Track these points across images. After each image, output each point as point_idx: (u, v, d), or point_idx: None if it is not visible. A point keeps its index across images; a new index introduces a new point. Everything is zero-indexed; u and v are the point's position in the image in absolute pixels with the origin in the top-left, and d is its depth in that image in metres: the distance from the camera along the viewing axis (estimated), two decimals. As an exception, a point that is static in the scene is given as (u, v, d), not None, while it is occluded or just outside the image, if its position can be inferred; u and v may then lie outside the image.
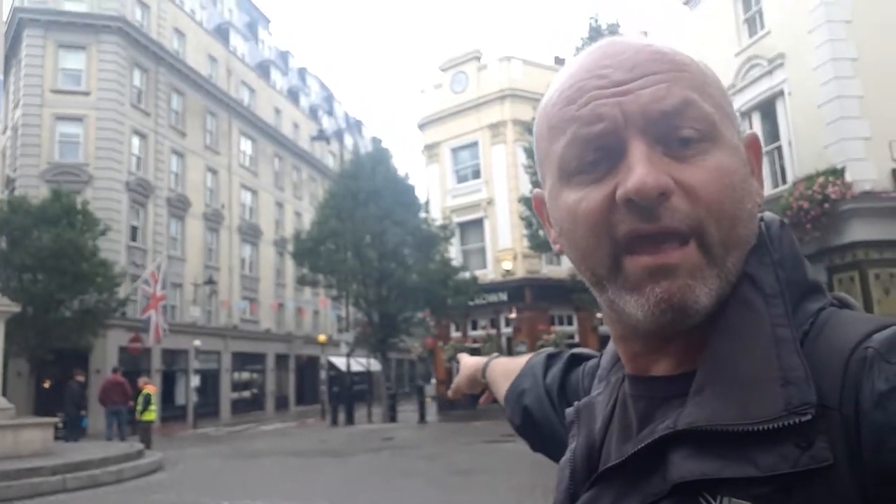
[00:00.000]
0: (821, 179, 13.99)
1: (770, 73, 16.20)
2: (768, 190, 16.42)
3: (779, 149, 16.32)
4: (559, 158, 0.66)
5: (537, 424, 1.06)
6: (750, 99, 16.87)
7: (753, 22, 17.09)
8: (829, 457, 0.53)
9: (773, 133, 16.56)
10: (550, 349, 1.16)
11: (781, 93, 15.95)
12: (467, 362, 1.43)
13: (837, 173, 14.04)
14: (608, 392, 0.76)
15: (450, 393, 1.55)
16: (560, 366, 1.05)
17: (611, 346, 0.79)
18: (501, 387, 1.20)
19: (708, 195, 0.61)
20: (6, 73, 27.07)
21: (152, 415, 17.64)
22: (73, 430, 17.91)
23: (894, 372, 0.53)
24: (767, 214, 0.70)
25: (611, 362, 0.80)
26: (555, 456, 0.81)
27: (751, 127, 17.08)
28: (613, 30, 18.69)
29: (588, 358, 1.01)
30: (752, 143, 0.70)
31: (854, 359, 0.56)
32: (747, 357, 0.59)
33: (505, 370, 1.24)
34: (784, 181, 15.87)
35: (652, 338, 0.66)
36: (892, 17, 14.15)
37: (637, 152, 0.61)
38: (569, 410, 0.81)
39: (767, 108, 16.58)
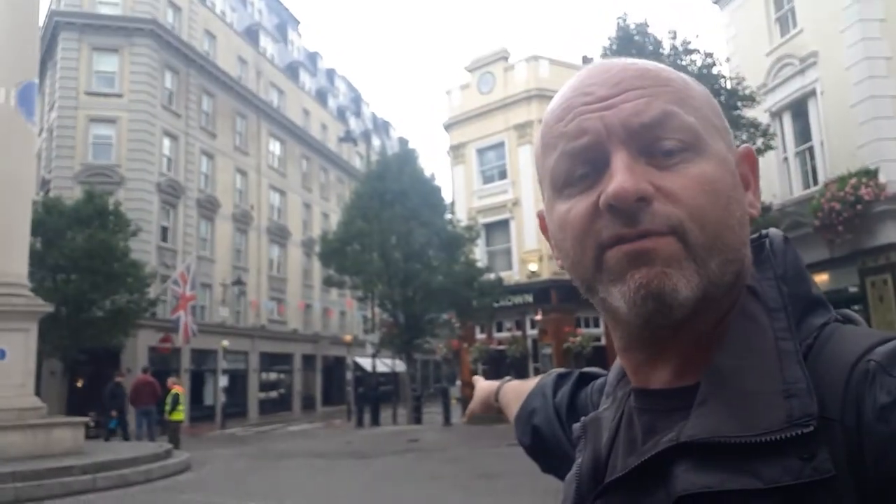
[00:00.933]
0: (853, 180, 13.71)
1: (802, 72, 15.91)
2: (799, 191, 16.14)
3: (811, 149, 16.02)
4: (551, 173, 0.70)
5: (547, 444, 1.06)
6: (781, 98, 16.59)
7: (785, 20, 16.80)
8: (832, 468, 0.54)
9: (804, 133, 16.26)
10: (561, 370, 1.16)
11: (814, 92, 15.65)
12: (481, 385, 1.44)
13: (871, 174, 13.75)
14: (615, 407, 0.77)
15: (463, 419, 1.54)
16: (569, 385, 1.06)
17: (618, 361, 0.81)
18: (514, 409, 1.20)
19: (688, 199, 0.62)
20: (41, 75, 27.69)
21: (181, 415, 17.89)
22: (108, 429, 18.35)
23: None
24: (772, 230, 0.72)
25: (617, 377, 0.81)
26: (564, 476, 0.81)
27: (782, 127, 16.81)
28: (642, 29, 18.43)
29: (597, 376, 1.01)
30: (747, 156, 0.72)
31: (856, 371, 0.57)
32: (750, 369, 0.60)
33: (517, 392, 1.24)
34: (815, 182, 15.57)
35: (646, 342, 0.67)
36: (929, 15, 13.82)
37: (619, 162, 0.63)
38: (576, 426, 0.82)
39: (799, 108, 16.29)
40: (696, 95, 0.69)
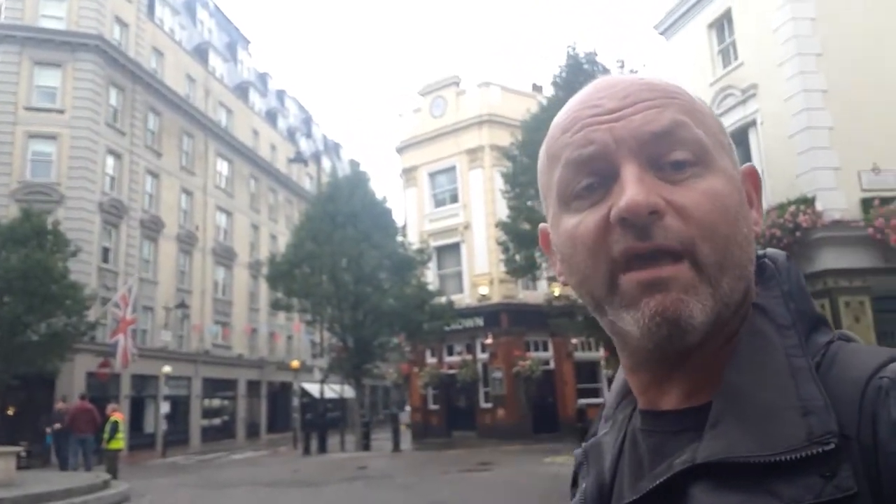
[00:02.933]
0: (792, 208, 14.19)
1: (743, 102, 16.48)
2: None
3: (752, 178, 16.54)
4: (557, 185, 0.68)
5: None
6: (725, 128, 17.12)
7: (727, 53, 17.41)
8: (854, 485, 0.53)
9: (746, 162, 16.72)
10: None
11: (754, 122, 16.22)
12: None
13: (808, 202, 14.26)
14: (615, 430, 0.76)
15: None
16: None
17: (615, 385, 0.81)
18: None
19: (700, 215, 0.62)
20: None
21: (120, 443, 17.19)
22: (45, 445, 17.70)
23: None
24: (771, 250, 0.72)
25: (616, 400, 0.80)
26: None
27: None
28: (591, 58, 18.92)
29: None
30: (751, 175, 0.72)
31: (870, 389, 0.57)
32: (764, 387, 0.59)
33: None
34: (757, 210, 16.06)
35: (655, 363, 0.66)
36: (861, 51, 14.50)
37: (629, 174, 0.63)
38: (577, 451, 0.80)
39: (741, 138, 16.84)
40: (704, 110, 0.69)
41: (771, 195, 15.44)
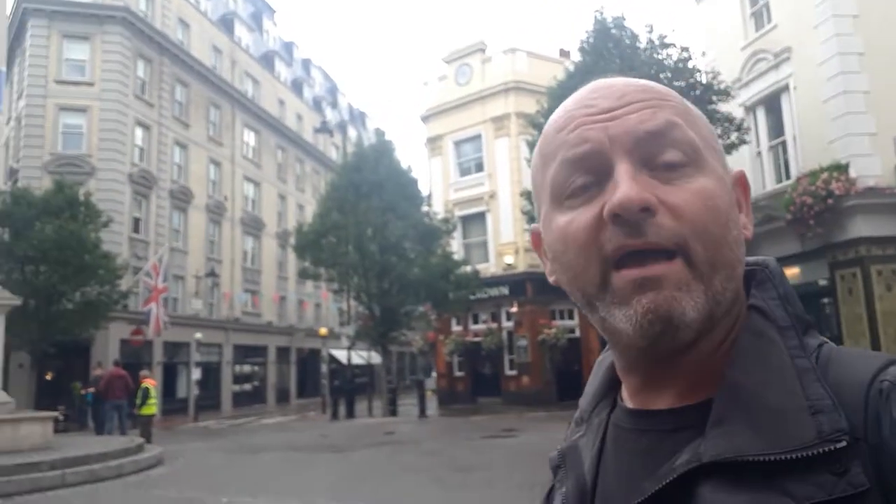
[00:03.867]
0: (825, 175, 13.88)
1: (776, 67, 16.06)
2: (772, 185, 16.33)
3: (783, 144, 16.20)
4: (551, 183, 0.69)
5: None
6: (755, 93, 16.74)
7: (760, 15, 16.94)
8: (866, 482, 0.54)
9: (777, 128, 16.44)
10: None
11: (787, 87, 15.82)
12: None
13: (841, 169, 13.93)
14: (592, 433, 0.76)
15: None
16: None
17: (590, 388, 0.81)
18: None
19: (692, 214, 0.62)
20: (10, 63, 27.04)
21: (153, 408, 17.65)
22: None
23: None
24: (762, 258, 0.73)
25: (592, 404, 0.80)
26: None
27: (756, 121, 16.97)
28: (619, 23, 18.46)
29: None
30: (740, 180, 0.72)
31: (872, 391, 0.58)
32: (771, 387, 0.60)
33: None
34: (788, 177, 15.76)
35: (648, 362, 0.67)
36: (900, 12, 14.00)
37: (623, 172, 0.63)
38: (552, 455, 0.81)
39: (773, 103, 16.46)
40: (696, 114, 0.71)
41: (803, 162, 15.12)
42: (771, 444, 0.57)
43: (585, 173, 0.66)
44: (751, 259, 0.72)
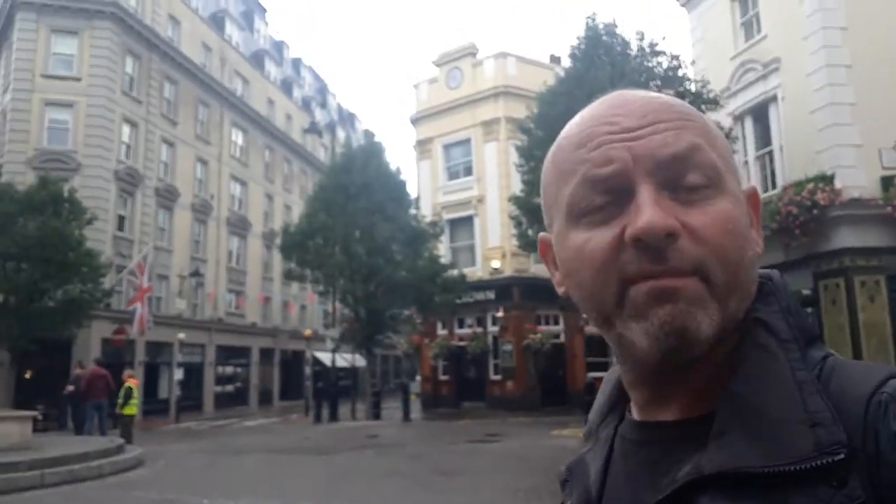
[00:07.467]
0: (810, 185, 14.00)
1: (764, 77, 16.18)
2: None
3: (770, 153, 16.32)
4: (568, 200, 0.67)
5: None
6: (744, 103, 16.86)
7: (750, 25, 17.06)
8: (863, 494, 0.55)
9: (764, 137, 16.56)
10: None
11: (775, 97, 15.94)
12: None
13: (827, 179, 14.05)
14: (600, 446, 0.77)
15: None
16: None
17: (598, 403, 0.81)
18: None
19: (712, 238, 0.62)
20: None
21: (134, 409, 17.48)
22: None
23: None
24: (764, 270, 0.73)
25: (599, 418, 0.80)
26: None
27: (743, 131, 17.10)
28: (610, 30, 18.57)
29: None
30: (752, 196, 0.72)
31: (872, 404, 0.59)
32: (771, 399, 0.60)
33: None
34: (774, 186, 15.87)
35: (659, 376, 0.67)
36: (888, 25, 14.16)
37: (645, 194, 0.63)
38: (560, 470, 0.81)
39: (760, 113, 16.57)
40: (716, 133, 0.70)
41: (789, 172, 15.23)
42: (770, 457, 0.57)
43: (605, 193, 0.65)
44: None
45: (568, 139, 0.70)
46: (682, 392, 0.67)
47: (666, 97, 0.70)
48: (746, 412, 0.60)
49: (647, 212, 0.61)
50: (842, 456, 0.55)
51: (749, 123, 16.97)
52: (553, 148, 0.73)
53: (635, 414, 0.73)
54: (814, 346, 0.67)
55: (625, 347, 0.66)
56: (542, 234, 0.76)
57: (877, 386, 0.60)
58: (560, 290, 0.72)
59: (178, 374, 28.47)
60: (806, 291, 14.84)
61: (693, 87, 17.03)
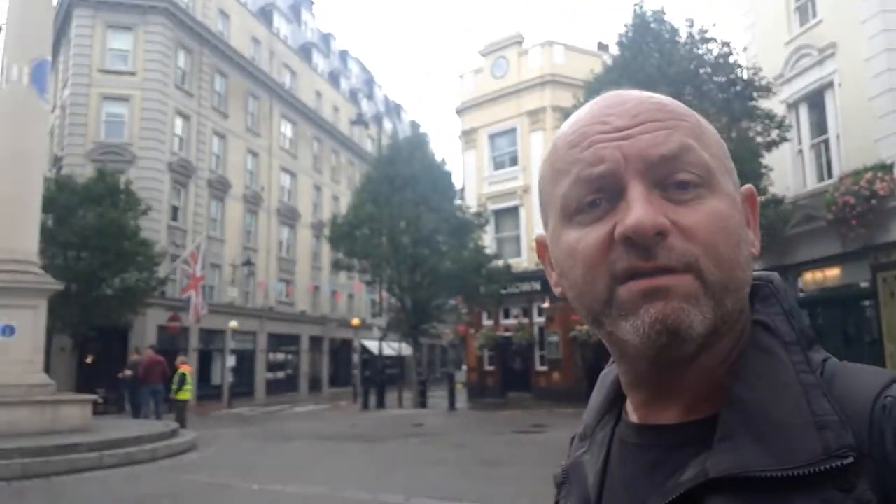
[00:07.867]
0: (868, 175, 13.53)
1: (820, 63, 15.67)
2: (813, 184, 15.97)
3: (826, 142, 15.82)
4: (561, 199, 0.68)
5: None
6: (798, 89, 16.36)
7: (805, 10, 16.53)
8: (872, 498, 0.55)
9: (820, 125, 16.06)
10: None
11: (831, 84, 15.43)
12: None
13: (886, 168, 13.57)
14: (596, 449, 0.77)
15: None
16: None
17: (593, 404, 0.82)
18: None
19: (704, 236, 0.62)
20: (55, 53, 27.67)
21: (188, 394, 17.99)
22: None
23: None
24: (765, 273, 0.73)
25: (596, 419, 0.80)
26: None
27: (798, 119, 16.61)
28: (658, 17, 18.17)
29: None
30: (749, 196, 0.72)
31: (877, 406, 0.58)
32: (777, 402, 0.60)
33: None
34: (830, 175, 15.39)
35: (655, 376, 0.67)
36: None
37: (636, 193, 0.63)
38: (556, 472, 0.81)
39: (816, 100, 16.07)
40: (710, 133, 0.70)
41: (846, 161, 14.75)
42: (778, 460, 0.56)
43: (597, 191, 0.65)
44: (754, 274, 0.71)
45: (563, 139, 0.70)
46: (680, 394, 0.67)
47: (661, 97, 0.70)
48: (752, 415, 0.60)
49: (637, 210, 0.61)
50: (851, 459, 0.55)
51: (804, 111, 16.47)
52: (549, 147, 0.73)
53: (632, 416, 0.73)
54: (813, 349, 0.66)
55: (617, 346, 0.67)
56: (538, 234, 0.77)
57: (881, 389, 0.60)
58: (557, 291, 0.73)
59: (231, 361, 29.16)
60: (864, 284, 14.39)
61: (744, 74, 16.58)
